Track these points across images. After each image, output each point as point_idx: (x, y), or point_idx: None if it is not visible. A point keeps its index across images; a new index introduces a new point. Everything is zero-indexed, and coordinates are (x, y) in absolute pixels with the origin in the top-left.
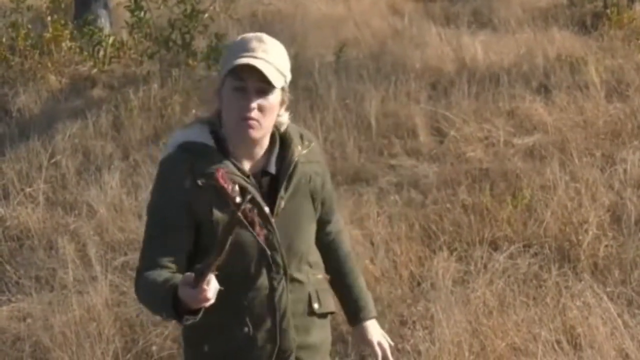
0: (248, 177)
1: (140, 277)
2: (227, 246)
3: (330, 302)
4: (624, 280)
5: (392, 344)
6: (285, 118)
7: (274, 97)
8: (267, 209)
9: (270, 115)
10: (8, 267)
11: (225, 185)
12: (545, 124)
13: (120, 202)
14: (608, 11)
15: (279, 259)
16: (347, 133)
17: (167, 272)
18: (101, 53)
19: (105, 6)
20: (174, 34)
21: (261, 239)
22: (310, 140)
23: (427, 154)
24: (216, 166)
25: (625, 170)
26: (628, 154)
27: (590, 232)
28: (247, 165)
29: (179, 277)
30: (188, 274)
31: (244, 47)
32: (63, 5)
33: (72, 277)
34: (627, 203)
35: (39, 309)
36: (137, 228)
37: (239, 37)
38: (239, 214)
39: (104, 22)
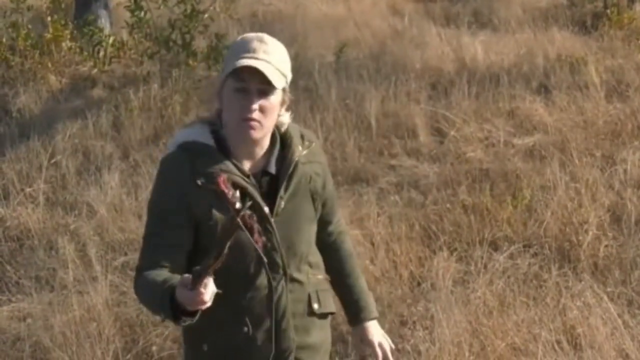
0: (248, 177)
1: (140, 276)
2: (226, 250)
3: (330, 302)
4: (624, 280)
5: (392, 346)
6: (286, 118)
7: (275, 98)
8: (266, 209)
9: (271, 115)
10: (8, 267)
11: (226, 191)
12: (545, 124)
13: (120, 202)
14: (608, 11)
15: (278, 259)
16: (347, 133)
17: (166, 272)
18: (101, 53)
19: (106, 6)
20: (174, 34)
21: (259, 246)
22: (311, 141)
23: (427, 154)
24: (217, 166)
25: (625, 171)
26: (628, 154)
27: (591, 232)
28: (247, 165)
29: (177, 277)
30: (186, 275)
31: (245, 48)
32: (63, 5)
33: (72, 277)
34: (627, 203)
35: (39, 309)
36: (137, 228)
37: (240, 37)
38: (239, 219)
39: (104, 22)
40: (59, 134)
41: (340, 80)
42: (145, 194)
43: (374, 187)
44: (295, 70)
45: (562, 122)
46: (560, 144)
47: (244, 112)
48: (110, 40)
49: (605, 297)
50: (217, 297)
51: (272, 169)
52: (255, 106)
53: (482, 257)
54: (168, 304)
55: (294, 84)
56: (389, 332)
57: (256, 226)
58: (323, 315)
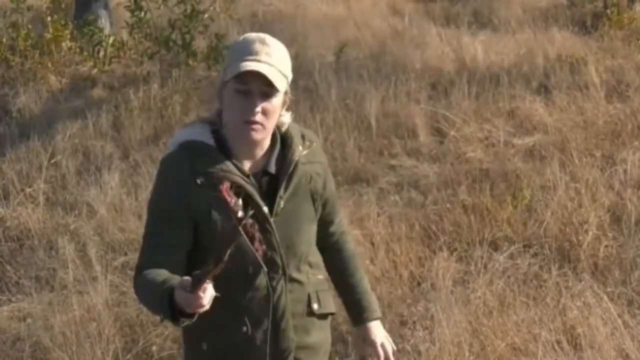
0: (248, 176)
1: (140, 275)
2: (226, 257)
3: (330, 302)
4: (624, 280)
5: (395, 348)
6: (286, 118)
7: (277, 100)
8: (265, 209)
9: (273, 117)
10: (8, 267)
11: (229, 199)
12: (545, 124)
13: (120, 202)
14: (608, 11)
15: (277, 259)
16: (347, 133)
17: (166, 272)
18: (101, 53)
19: (106, 6)
20: (174, 34)
21: (259, 254)
22: (312, 141)
23: (427, 154)
24: (217, 166)
25: (625, 171)
26: (628, 154)
27: (591, 233)
28: (247, 165)
29: (177, 278)
30: (186, 278)
31: (247, 50)
32: (63, 6)
33: (72, 277)
34: (627, 203)
35: (39, 309)
36: (137, 228)
37: (241, 38)
38: (240, 228)
39: (104, 22)
40: (59, 134)
41: (340, 80)
42: (145, 194)
43: (374, 187)
44: (295, 70)
45: (562, 122)
46: (560, 144)
47: (246, 114)
48: (110, 40)
49: (605, 297)
50: (216, 297)
51: (272, 169)
52: (258, 109)
53: (482, 257)
54: (167, 304)
55: (294, 84)
56: (389, 332)
57: (257, 235)
58: (323, 316)
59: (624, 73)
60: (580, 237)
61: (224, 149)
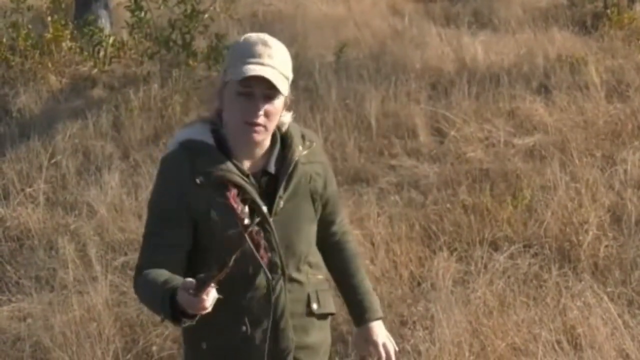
0: (247, 176)
1: (140, 275)
2: (231, 263)
3: (330, 303)
4: (624, 280)
5: (396, 348)
6: (287, 118)
7: (279, 102)
8: (264, 208)
9: (274, 119)
10: (8, 267)
11: (236, 206)
12: (545, 124)
13: (120, 202)
14: (608, 11)
15: (276, 259)
16: (347, 133)
17: (166, 272)
18: (101, 53)
19: (106, 6)
20: (174, 34)
21: (264, 262)
22: (312, 141)
23: (427, 154)
24: (217, 165)
25: (625, 171)
26: (628, 154)
27: (591, 233)
28: (247, 165)
29: (178, 278)
30: (189, 279)
31: (249, 52)
32: (63, 5)
33: (72, 277)
34: (628, 203)
35: (39, 309)
36: (137, 228)
37: (242, 39)
38: (246, 235)
39: (104, 22)
40: (59, 134)
41: (340, 80)
42: (145, 194)
43: (374, 187)
44: (295, 70)
45: (562, 122)
46: (560, 144)
47: (249, 116)
48: (111, 40)
49: (606, 297)
50: (217, 298)
51: (272, 169)
52: (261, 112)
53: (482, 257)
54: (169, 305)
55: (294, 84)
56: (389, 332)
57: (263, 242)
58: (322, 316)
59: (624, 73)
60: (581, 237)
61: (223, 149)
